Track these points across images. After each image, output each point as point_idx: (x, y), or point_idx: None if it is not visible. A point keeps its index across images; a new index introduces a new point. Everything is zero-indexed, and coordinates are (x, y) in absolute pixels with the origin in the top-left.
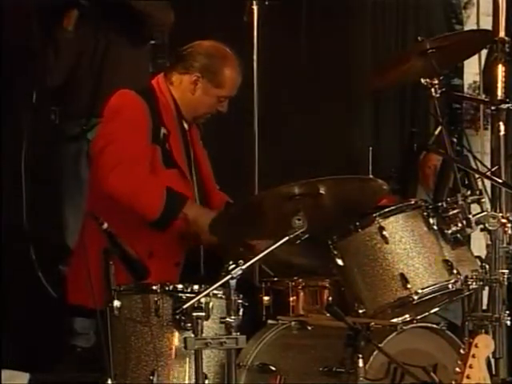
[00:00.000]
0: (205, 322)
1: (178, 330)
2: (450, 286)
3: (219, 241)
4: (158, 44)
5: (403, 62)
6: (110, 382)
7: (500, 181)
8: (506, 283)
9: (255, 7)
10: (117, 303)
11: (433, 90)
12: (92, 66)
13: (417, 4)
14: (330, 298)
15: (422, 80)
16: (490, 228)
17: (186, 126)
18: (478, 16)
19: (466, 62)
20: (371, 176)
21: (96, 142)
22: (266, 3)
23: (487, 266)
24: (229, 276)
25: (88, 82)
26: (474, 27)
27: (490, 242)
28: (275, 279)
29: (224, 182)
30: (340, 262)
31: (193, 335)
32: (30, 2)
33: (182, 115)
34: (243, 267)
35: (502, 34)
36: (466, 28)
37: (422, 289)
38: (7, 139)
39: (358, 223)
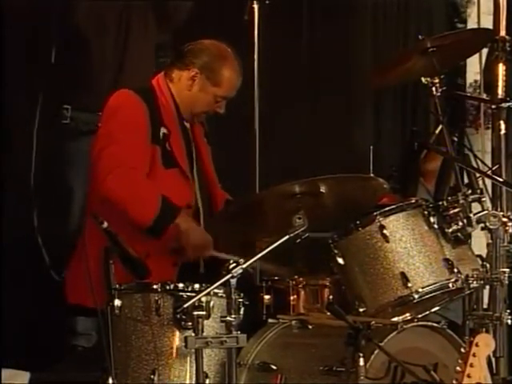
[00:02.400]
0: (205, 321)
1: (178, 329)
2: (450, 284)
3: (220, 238)
4: (159, 43)
5: (404, 61)
6: (110, 381)
7: (501, 180)
8: (506, 282)
9: (256, 6)
10: (117, 302)
11: (433, 88)
12: (111, 60)
13: (418, 3)
14: (331, 297)
15: (423, 79)
16: (491, 227)
17: (187, 124)
18: (479, 15)
19: (467, 61)
20: (372, 175)
21: (94, 144)
22: (267, 2)
23: (488, 265)
24: (229, 275)
25: (106, 76)
26: (475, 26)
27: (490, 241)
28: (276, 278)
29: (225, 180)
30: (341, 260)
31: (193, 334)
32: None
33: (181, 114)
34: (244, 266)
35: (502, 32)
36: (467, 27)
37: (423, 288)
38: (17, 139)
39: (358, 222)
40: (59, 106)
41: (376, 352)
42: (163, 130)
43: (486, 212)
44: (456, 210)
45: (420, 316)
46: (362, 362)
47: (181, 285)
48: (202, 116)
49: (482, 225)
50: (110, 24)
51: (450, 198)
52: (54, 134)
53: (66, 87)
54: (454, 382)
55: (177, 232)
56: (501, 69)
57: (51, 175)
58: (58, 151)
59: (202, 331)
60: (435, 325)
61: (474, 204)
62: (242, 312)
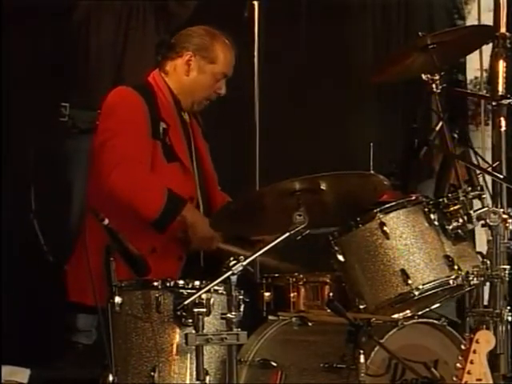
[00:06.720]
0: (206, 318)
1: (179, 326)
2: (450, 281)
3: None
4: (161, 41)
5: (404, 58)
6: (111, 378)
7: (501, 176)
8: (507, 279)
9: (256, 3)
10: (118, 299)
11: (434, 85)
12: (110, 57)
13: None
14: (331, 294)
15: (423, 75)
16: (491, 223)
17: (186, 117)
18: (479, 11)
19: (468, 58)
20: (372, 172)
21: (96, 138)
22: None
23: (488, 262)
24: (230, 272)
25: (104, 74)
26: (475, 23)
27: (491, 238)
28: (276, 275)
29: (225, 177)
30: (341, 257)
31: (194, 331)
32: None
33: (181, 107)
34: (244, 263)
35: (503, 29)
36: (467, 23)
37: (423, 284)
38: (15, 135)
39: (358, 219)
40: (57, 104)
41: (376, 349)
42: (163, 125)
43: (486, 209)
44: (456, 207)
45: (420, 313)
46: (362, 358)
47: (181, 282)
48: (203, 103)
49: (483, 221)
50: (109, 22)
51: (450, 194)
52: (52, 132)
53: (64, 85)
54: (455, 378)
55: (183, 224)
56: (501, 65)
57: (49, 173)
58: (55, 149)
59: (203, 328)
60: (436, 322)
61: (474, 200)
62: (242, 309)
